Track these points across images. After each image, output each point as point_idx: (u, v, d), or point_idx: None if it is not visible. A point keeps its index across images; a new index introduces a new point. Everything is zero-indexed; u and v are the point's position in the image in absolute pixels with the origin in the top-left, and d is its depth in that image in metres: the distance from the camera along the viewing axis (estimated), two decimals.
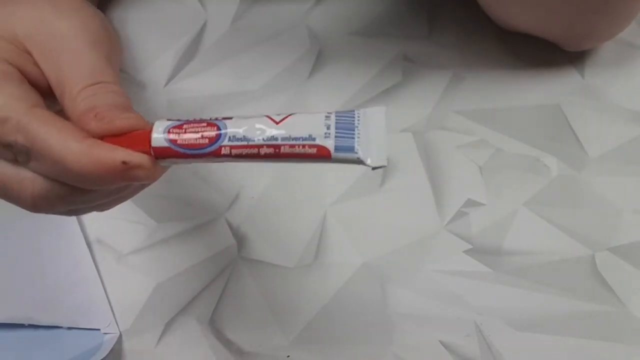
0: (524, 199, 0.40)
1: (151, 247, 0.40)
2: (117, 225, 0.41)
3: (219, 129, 0.23)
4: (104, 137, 0.24)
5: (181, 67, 0.44)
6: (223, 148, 0.23)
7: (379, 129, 0.23)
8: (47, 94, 0.26)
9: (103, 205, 0.27)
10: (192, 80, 0.44)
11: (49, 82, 0.26)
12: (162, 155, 0.23)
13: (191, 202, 0.41)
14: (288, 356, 0.37)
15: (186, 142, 0.23)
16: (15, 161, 0.24)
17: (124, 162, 0.23)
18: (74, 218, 0.41)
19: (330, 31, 0.46)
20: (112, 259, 0.40)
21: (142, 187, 0.27)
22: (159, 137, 0.23)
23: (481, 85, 0.44)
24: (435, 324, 0.37)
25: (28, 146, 0.23)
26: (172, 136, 0.23)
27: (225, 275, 0.39)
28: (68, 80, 0.25)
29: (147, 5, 0.46)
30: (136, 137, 0.24)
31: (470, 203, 0.40)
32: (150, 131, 0.23)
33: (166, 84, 0.44)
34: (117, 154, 0.23)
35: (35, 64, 0.26)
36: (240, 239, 0.40)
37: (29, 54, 0.26)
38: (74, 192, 0.24)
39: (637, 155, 0.42)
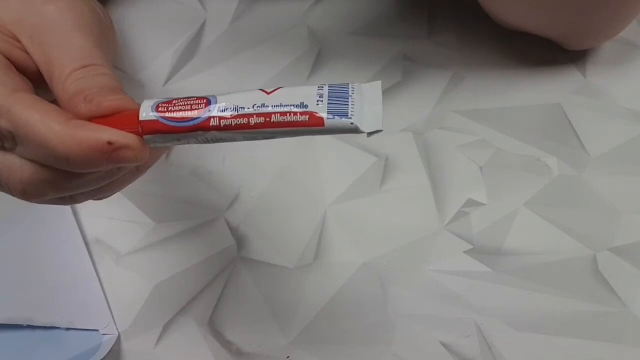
0: (524, 199, 0.40)
1: (150, 248, 0.40)
2: (116, 226, 0.41)
3: (208, 101, 0.23)
4: (92, 119, 0.23)
5: (180, 67, 0.44)
6: (212, 119, 0.22)
7: (375, 99, 0.23)
8: (38, 81, 0.26)
9: (97, 192, 0.26)
10: (191, 80, 0.44)
11: (38, 67, 0.26)
12: (151, 130, 0.23)
13: (191, 202, 0.41)
14: (288, 357, 0.37)
15: (175, 116, 0.22)
16: (2, 147, 0.24)
17: (109, 143, 0.22)
18: (72, 218, 0.41)
19: (330, 31, 0.46)
20: (110, 260, 0.40)
21: (137, 173, 0.27)
22: (147, 111, 0.23)
23: (481, 85, 0.44)
24: (435, 324, 0.37)
25: (12, 131, 0.23)
26: (160, 109, 0.23)
27: (225, 275, 0.39)
28: (57, 64, 0.25)
29: (146, 4, 0.46)
30: (124, 118, 0.23)
31: (471, 203, 0.40)
32: (138, 111, 0.23)
33: (165, 84, 0.44)
34: (102, 134, 0.22)
35: (24, 50, 0.26)
36: (240, 239, 0.40)
37: (17, 40, 0.26)
38: (63, 177, 0.24)
39: (638, 155, 0.41)
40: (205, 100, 0.23)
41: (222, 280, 0.39)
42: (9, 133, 0.23)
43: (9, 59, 0.25)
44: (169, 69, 0.44)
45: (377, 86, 0.23)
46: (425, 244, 0.39)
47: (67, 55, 0.25)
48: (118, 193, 0.39)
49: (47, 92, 0.26)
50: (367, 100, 0.23)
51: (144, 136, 0.23)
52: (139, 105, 0.23)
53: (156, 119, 0.23)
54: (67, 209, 0.40)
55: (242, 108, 0.22)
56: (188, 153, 0.42)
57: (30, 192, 0.24)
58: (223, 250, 0.40)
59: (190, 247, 0.40)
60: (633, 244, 0.39)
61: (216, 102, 0.22)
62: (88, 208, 0.41)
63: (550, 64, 0.45)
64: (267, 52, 0.45)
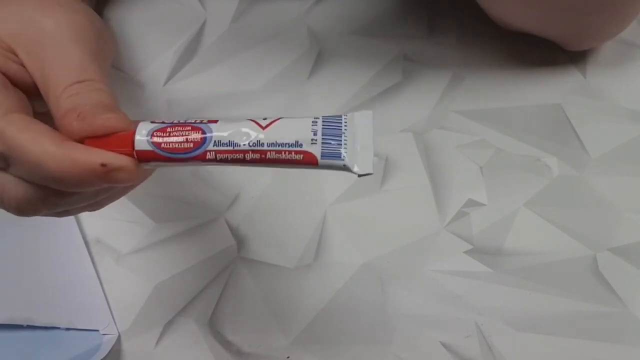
0: (524, 199, 0.40)
1: (150, 248, 0.40)
2: (116, 226, 0.41)
3: (204, 132, 0.23)
4: (86, 138, 0.23)
5: (180, 67, 0.44)
6: (208, 153, 0.23)
7: (366, 134, 0.23)
8: (33, 94, 0.26)
9: (92, 205, 0.26)
10: (191, 80, 0.44)
11: (35, 81, 0.25)
12: (146, 158, 0.23)
13: (191, 202, 0.41)
14: (288, 357, 0.37)
15: (170, 146, 0.23)
16: None
17: (102, 165, 0.22)
18: (72, 218, 0.41)
19: (330, 31, 0.46)
20: (111, 260, 0.40)
21: (131, 187, 0.27)
22: (142, 140, 0.23)
23: (481, 85, 0.44)
24: (435, 324, 0.37)
25: (6, 152, 0.23)
26: (155, 139, 0.23)
27: (225, 275, 0.39)
28: (52, 78, 0.25)
29: (146, 5, 0.46)
30: (119, 139, 0.23)
31: (471, 203, 0.40)
32: (133, 133, 0.23)
33: (165, 84, 0.44)
34: (96, 156, 0.22)
35: (20, 63, 0.26)
36: (240, 239, 0.40)
37: (14, 52, 0.26)
38: (57, 195, 0.24)
39: (637, 155, 0.41)
40: (200, 132, 0.23)
41: (222, 280, 0.39)
42: (2, 153, 0.23)
43: (4, 73, 0.25)
44: (169, 69, 0.44)
45: (368, 118, 0.23)
46: (425, 244, 0.39)
47: (63, 70, 0.25)
48: None
49: (44, 104, 0.26)
50: (360, 138, 0.23)
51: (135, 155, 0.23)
52: (132, 124, 0.24)
53: (152, 149, 0.23)
54: None
55: (237, 144, 0.22)
56: None
57: (24, 209, 0.24)
58: (223, 250, 0.40)
59: (190, 247, 0.40)
60: (633, 244, 0.39)
61: (211, 132, 0.23)
62: None
63: (550, 64, 0.45)
64: (267, 52, 0.45)
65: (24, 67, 0.26)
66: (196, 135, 0.23)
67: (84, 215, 0.41)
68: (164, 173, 0.42)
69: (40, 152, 0.22)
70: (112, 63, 0.32)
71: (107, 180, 0.23)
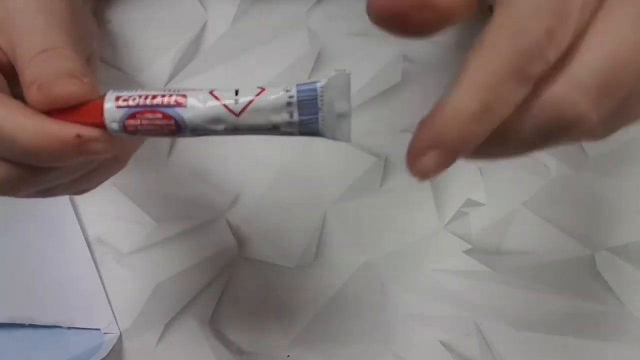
0: (523, 199, 0.40)
1: (151, 247, 0.40)
2: (117, 225, 0.41)
3: (177, 123, 0.22)
4: (54, 111, 0.23)
5: (181, 68, 0.44)
6: (186, 135, 0.23)
7: (344, 98, 0.23)
8: (12, 76, 0.25)
9: (75, 184, 0.26)
10: (192, 81, 0.44)
11: (9, 59, 0.25)
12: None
13: (192, 202, 0.41)
14: (288, 356, 0.37)
15: (145, 131, 0.22)
16: None
17: (77, 136, 0.22)
18: (74, 218, 0.41)
19: (330, 31, 0.46)
20: (112, 259, 0.40)
21: (117, 163, 0.26)
22: (114, 128, 0.22)
23: None
24: (435, 324, 0.37)
25: None
26: (130, 128, 0.22)
27: (225, 275, 0.39)
28: (19, 50, 0.24)
29: (147, 5, 0.46)
30: (87, 111, 0.23)
31: (470, 203, 0.40)
32: (101, 104, 0.22)
33: (166, 84, 0.44)
34: (70, 128, 0.22)
35: None
36: (240, 239, 0.40)
37: None
38: (35, 172, 0.24)
39: (636, 155, 0.42)
40: (173, 122, 0.22)
41: (223, 280, 0.39)
42: None
43: None
44: (169, 70, 0.44)
45: (345, 79, 0.23)
46: (424, 243, 0.39)
47: (28, 40, 0.24)
48: (119, 193, 0.39)
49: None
50: (337, 103, 0.22)
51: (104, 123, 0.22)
52: (95, 89, 0.23)
53: (125, 134, 0.22)
54: (68, 208, 0.40)
55: (213, 130, 0.22)
56: (189, 153, 0.42)
57: (4, 189, 0.24)
58: (224, 250, 0.40)
59: (191, 247, 0.40)
60: (631, 244, 0.39)
61: (186, 126, 0.22)
62: (89, 208, 0.41)
63: None
64: (267, 53, 0.45)
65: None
66: (170, 125, 0.22)
67: (86, 215, 0.41)
68: (165, 173, 0.42)
69: (13, 126, 0.22)
70: (90, 45, 0.31)
71: (83, 151, 0.22)
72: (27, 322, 0.38)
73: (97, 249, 0.40)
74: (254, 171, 0.42)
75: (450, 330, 0.37)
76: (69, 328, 0.38)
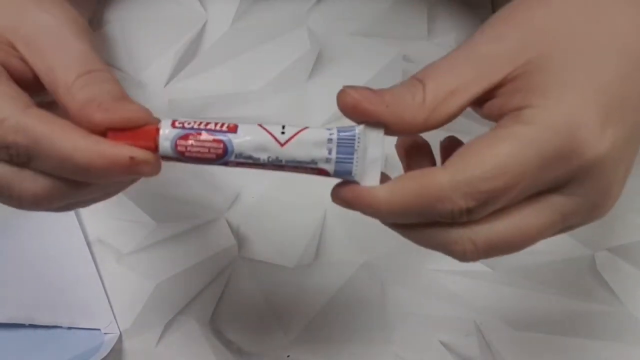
0: None
1: (151, 247, 0.40)
2: (117, 225, 0.41)
3: (225, 147, 0.24)
4: (109, 130, 0.24)
5: (181, 68, 0.44)
6: (230, 163, 0.24)
7: (377, 148, 0.25)
8: (30, 88, 0.26)
9: (101, 197, 0.27)
10: (192, 81, 0.44)
11: (37, 74, 0.26)
12: (169, 160, 0.25)
13: (191, 202, 0.41)
14: (288, 356, 0.37)
15: (193, 155, 0.24)
16: (12, 162, 0.24)
17: (131, 158, 0.23)
18: (74, 218, 0.41)
19: (330, 32, 0.46)
20: (112, 259, 0.40)
21: (134, 180, 0.27)
22: (166, 147, 0.24)
23: None
24: (435, 323, 0.37)
25: (30, 146, 0.23)
26: (179, 148, 0.24)
27: (225, 275, 0.39)
28: (60, 69, 0.25)
29: (147, 5, 0.46)
30: (143, 133, 0.24)
31: None
32: (155, 129, 0.24)
33: (166, 84, 0.44)
34: (125, 150, 0.23)
35: (19, 57, 0.26)
36: (240, 239, 0.40)
37: (13, 47, 0.26)
38: (75, 187, 0.25)
39: (637, 155, 0.42)
40: (222, 145, 0.24)
41: (223, 280, 0.39)
42: (25, 148, 0.23)
43: (6, 68, 0.25)
44: (170, 70, 0.44)
45: (380, 134, 0.25)
46: None
47: (70, 61, 0.25)
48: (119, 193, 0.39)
49: (37, 96, 0.26)
50: (370, 151, 0.25)
51: (157, 149, 0.24)
52: (151, 114, 0.25)
53: (175, 157, 0.25)
54: None
55: (257, 159, 0.24)
56: None
57: (41, 203, 0.25)
58: (224, 250, 0.40)
59: (191, 247, 0.40)
60: (631, 244, 0.39)
61: (232, 151, 0.24)
62: (90, 208, 0.41)
63: None
64: (267, 53, 0.45)
65: (24, 61, 0.26)
66: (218, 147, 0.24)
67: (86, 215, 0.41)
68: (165, 173, 0.42)
69: (68, 145, 0.23)
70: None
71: (132, 172, 0.24)
72: (27, 322, 0.38)
73: (97, 249, 0.40)
74: (254, 171, 0.42)
75: (450, 330, 0.37)
76: (69, 328, 0.38)
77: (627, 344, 0.36)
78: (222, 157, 0.24)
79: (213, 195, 0.42)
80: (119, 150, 0.23)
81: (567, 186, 0.24)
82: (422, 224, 0.25)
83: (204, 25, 0.45)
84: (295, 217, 0.41)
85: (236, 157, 0.24)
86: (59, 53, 0.25)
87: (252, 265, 0.39)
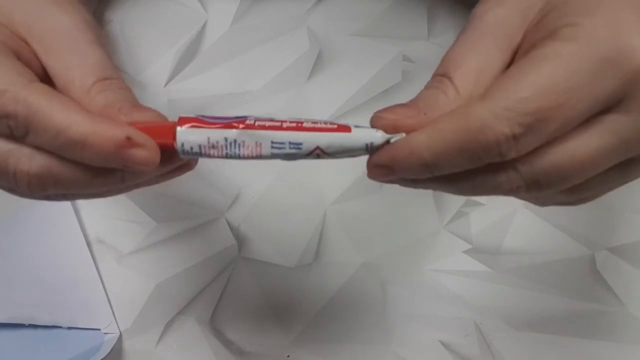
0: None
1: (151, 247, 0.40)
2: (117, 225, 0.41)
3: (244, 118, 0.24)
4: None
5: (181, 68, 0.44)
6: (248, 120, 0.24)
7: None
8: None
9: (98, 194, 0.27)
10: (192, 81, 0.44)
11: (48, 71, 0.26)
12: (185, 122, 0.25)
13: (191, 202, 0.41)
14: (288, 356, 0.37)
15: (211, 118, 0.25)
16: (11, 137, 0.24)
17: (127, 138, 0.23)
18: (74, 218, 0.41)
19: (330, 32, 0.46)
20: (112, 259, 0.40)
21: (137, 185, 0.27)
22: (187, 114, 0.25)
23: None
24: (435, 323, 0.37)
25: (28, 116, 0.23)
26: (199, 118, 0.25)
27: (225, 274, 0.39)
28: (77, 72, 0.25)
29: (147, 5, 0.46)
30: (160, 128, 0.24)
31: (470, 203, 0.40)
32: (172, 123, 0.24)
33: (166, 84, 0.44)
34: (122, 129, 0.23)
35: (31, 52, 0.26)
36: (240, 239, 0.40)
37: (26, 42, 0.26)
38: (70, 172, 0.24)
39: None
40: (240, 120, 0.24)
41: (223, 280, 0.39)
42: (24, 119, 0.23)
43: (17, 57, 0.25)
44: (170, 70, 0.44)
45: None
46: (424, 243, 0.39)
47: (88, 65, 0.25)
48: None
49: None
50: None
51: (175, 143, 0.24)
52: (167, 121, 0.25)
53: (194, 116, 0.24)
54: (69, 209, 0.41)
55: (276, 120, 0.24)
56: None
57: (34, 185, 0.24)
58: (224, 250, 0.40)
59: (191, 247, 0.40)
60: (631, 244, 0.39)
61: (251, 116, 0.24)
62: (90, 208, 0.41)
63: None
64: (267, 53, 0.45)
65: (34, 57, 0.26)
66: (238, 117, 0.24)
67: (86, 215, 0.41)
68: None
69: (66, 118, 0.23)
70: None
71: (127, 156, 0.23)
72: (27, 322, 0.38)
73: (97, 249, 0.40)
74: (254, 171, 0.42)
75: (450, 330, 0.37)
76: (69, 328, 0.38)
77: (627, 344, 0.36)
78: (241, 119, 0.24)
79: (213, 195, 0.42)
80: (116, 129, 0.23)
81: (622, 102, 0.22)
82: (471, 171, 0.23)
83: (204, 25, 0.45)
84: (295, 217, 0.41)
85: (255, 120, 0.24)
86: (77, 56, 0.26)
87: (252, 265, 0.39)
